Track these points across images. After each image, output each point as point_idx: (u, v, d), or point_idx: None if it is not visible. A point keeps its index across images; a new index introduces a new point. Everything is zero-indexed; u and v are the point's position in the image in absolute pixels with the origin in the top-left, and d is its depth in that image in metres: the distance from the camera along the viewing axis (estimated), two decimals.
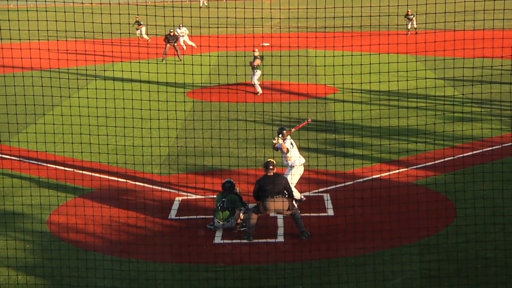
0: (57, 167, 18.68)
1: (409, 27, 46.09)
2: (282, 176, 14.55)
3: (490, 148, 19.37)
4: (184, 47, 41.36)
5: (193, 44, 41.11)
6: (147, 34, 48.10)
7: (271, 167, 14.38)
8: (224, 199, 14.71)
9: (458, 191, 15.12)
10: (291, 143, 15.75)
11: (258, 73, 28.28)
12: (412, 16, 45.93)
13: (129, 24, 37.58)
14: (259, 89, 28.06)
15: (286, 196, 14.17)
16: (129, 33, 44.59)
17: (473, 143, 19.80)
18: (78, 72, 33.38)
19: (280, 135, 15.72)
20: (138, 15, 46.32)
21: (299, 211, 14.22)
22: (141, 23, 48.11)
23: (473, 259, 12.67)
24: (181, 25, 40.14)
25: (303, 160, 15.85)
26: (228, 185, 14.87)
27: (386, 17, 35.77)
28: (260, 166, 17.26)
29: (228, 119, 21.13)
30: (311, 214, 14.76)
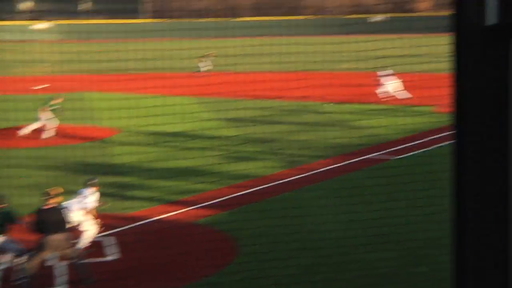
0: None
1: (202, 69, 45.56)
2: (60, 209, 13.51)
3: (267, 185, 20.16)
4: None
5: None
6: None
7: (46, 197, 13.40)
8: None
9: (238, 229, 15.61)
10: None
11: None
12: (207, 59, 45.56)
13: None
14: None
15: (67, 231, 13.41)
16: None
17: (252, 181, 20.55)
18: None
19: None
20: None
21: (82, 256, 13.79)
22: None
23: None
24: None
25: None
26: None
27: (170, 60, 36.37)
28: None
29: (8, 167, 20.28)
30: (96, 259, 14.46)
